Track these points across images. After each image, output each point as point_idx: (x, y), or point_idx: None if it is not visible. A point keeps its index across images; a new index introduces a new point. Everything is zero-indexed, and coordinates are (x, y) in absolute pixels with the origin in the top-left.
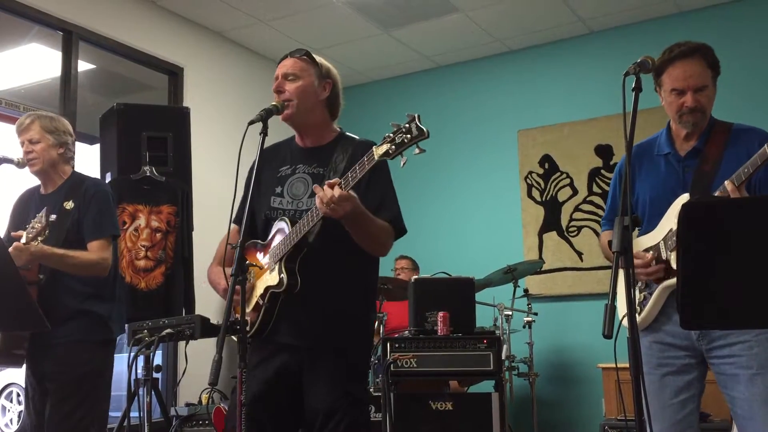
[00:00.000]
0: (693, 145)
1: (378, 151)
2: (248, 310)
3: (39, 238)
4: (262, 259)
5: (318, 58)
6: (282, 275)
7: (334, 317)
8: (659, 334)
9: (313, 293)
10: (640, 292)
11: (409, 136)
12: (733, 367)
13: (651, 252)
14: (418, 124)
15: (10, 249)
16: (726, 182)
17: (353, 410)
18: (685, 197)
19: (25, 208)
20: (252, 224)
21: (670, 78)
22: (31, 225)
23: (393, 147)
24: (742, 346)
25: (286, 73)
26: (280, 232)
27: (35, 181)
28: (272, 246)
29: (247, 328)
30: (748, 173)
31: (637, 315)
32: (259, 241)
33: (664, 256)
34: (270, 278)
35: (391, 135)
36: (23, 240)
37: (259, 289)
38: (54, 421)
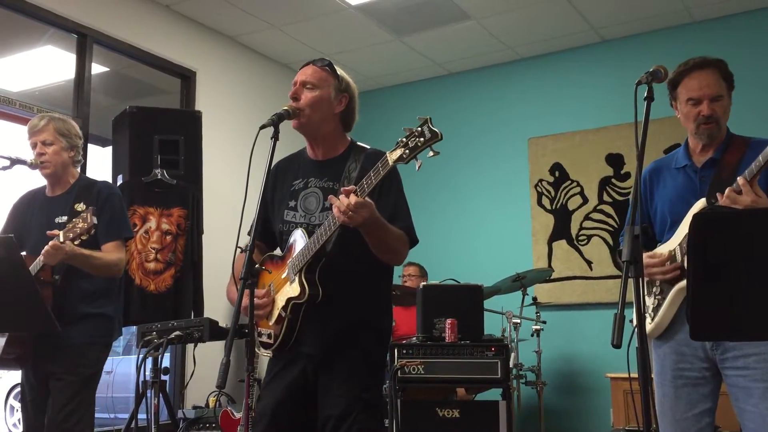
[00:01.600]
0: (710, 156)
1: (392, 156)
2: (270, 323)
3: (82, 238)
4: (280, 272)
5: (339, 71)
6: (304, 286)
7: (352, 324)
8: (674, 344)
9: (332, 302)
10: (654, 298)
11: (422, 139)
12: (747, 380)
13: (667, 252)
14: (431, 126)
15: (49, 246)
16: (738, 178)
17: (366, 416)
18: (701, 203)
19: (27, 210)
20: (269, 235)
21: (685, 89)
22: (72, 224)
23: (407, 151)
24: (757, 358)
25: (305, 81)
26: (297, 243)
27: (39, 182)
28: (290, 258)
29: (271, 341)
30: (759, 165)
31: (650, 321)
32: (278, 254)
33: (678, 258)
34: (291, 290)
35: (404, 139)
36: (61, 239)
37: (281, 302)
38: (57, 420)
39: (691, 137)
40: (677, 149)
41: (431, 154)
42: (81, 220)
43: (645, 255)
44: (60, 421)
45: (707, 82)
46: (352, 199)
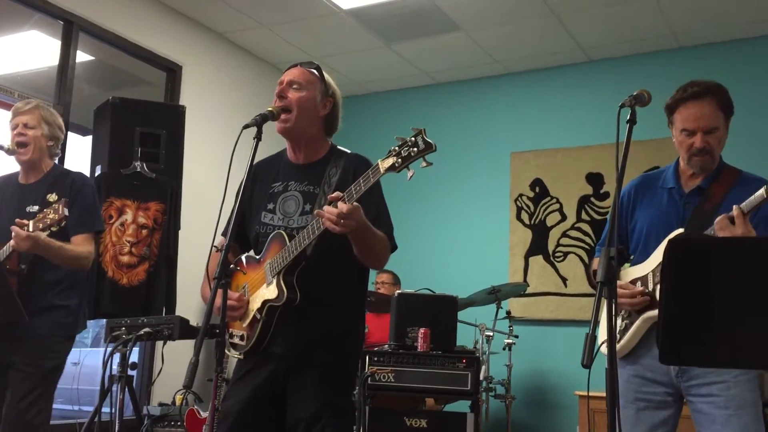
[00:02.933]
0: (698, 184)
1: (383, 164)
2: (243, 324)
3: (52, 229)
4: (255, 274)
5: (326, 75)
6: (282, 289)
7: (326, 328)
8: (638, 367)
9: (308, 305)
10: (623, 321)
11: (415, 149)
12: (711, 406)
13: (639, 283)
14: (425, 137)
15: (16, 233)
16: (734, 207)
17: (335, 421)
18: (679, 232)
19: None
20: (243, 236)
21: (681, 117)
22: (42, 215)
23: (399, 160)
24: (720, 386)
25: (292, 80)
26: (275, 245)
27: (12, 169)
28: (267, 261)
29: (243, 343)
30: (760, 199)
31: (616, 342)
32: (253, 255)
33: (649, 287)
34: (268, 292)
35: (397, 148)
36: (30, 228)
37: (256, 304)
38: (15, 411)
39: (682, 161)
40: (666, 167)
41: (424, 164)
42: (52, 211)
43: (617, 282)
44: (20, 412)
45: (703, 113)
46: (343, 207)
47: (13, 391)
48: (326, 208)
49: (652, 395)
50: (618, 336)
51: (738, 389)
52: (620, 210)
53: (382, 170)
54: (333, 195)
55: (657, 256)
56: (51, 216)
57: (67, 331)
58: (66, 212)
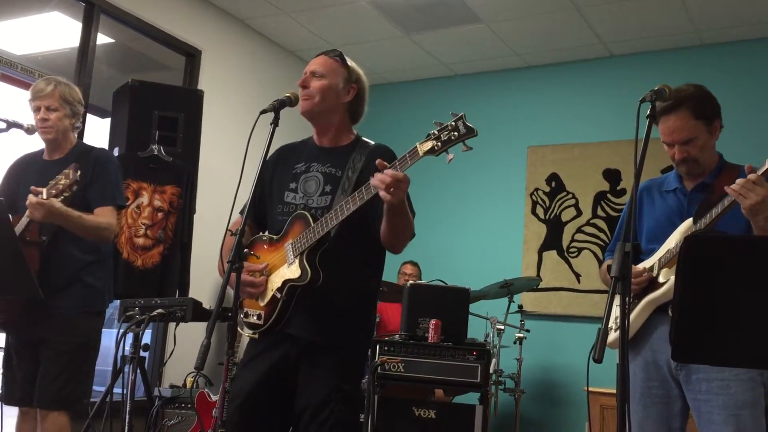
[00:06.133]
0: (701, 181)
1: (423, 147)
2: (262, 303)
3: (65, 194)
4: (275, 254)
5: (350, 62)
6: (306, 268)
7: (341, 313)
8: (641, 361)
9: (325, 288)
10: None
11: (456, 133)
12: (709, 405)
13: (645, 267)
14: (466, 122)
15: (29, 201)
16: (750, 174)
17: (343, 407)
18: (688, 222)
19: (23, 173)
20: (259, 218)
21: (660, 130)
22: (54, 182)
23: (439, 144)
24: (720, 384)
25: (314, 70)
26: (298, 226)
27: (34, 147)
28: (289, 240)
29: (260, 322)
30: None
31: (615, 331)
32: (272, 235)
33: (655, 271)
34: (289, 271)
35: (436, 132)
36: (44, 195)
37: (276, 283)
38: (51, 389)
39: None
40: (669, 173)
41: (464, 148)
42: (63, 177)
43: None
44: (56, 390)
45: (675, 127)
46: (398, 173)
47: (47, 369)
48: (378, 175)
49: (657, 389)
50: (614, 326)
51: (738, 388)
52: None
53: (420, 153)
54: (380, 162)
55: (664, 247)
56: (63, 182)
57: (95, 308)
58: (77, 177)
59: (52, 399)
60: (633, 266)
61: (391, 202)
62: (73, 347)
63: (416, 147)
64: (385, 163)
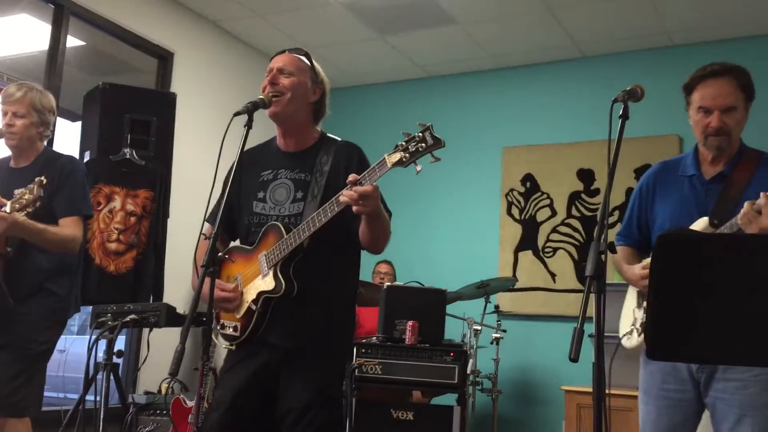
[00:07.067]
0: (719, 170)
1: (391, 159)
2: (238, 316)
3: (28, 209)
4: (249, 265)
5: (314, 63)
6: (280, 280)
7: (320, 319)
8: (660, 362)
9: (302, 296)
10: (643, 312)
11: (423, 144)
12: (725, 404)
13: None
14: (433, 133)
15: None
16: (762, 194)
17: (327, 410)
18: (703, 221)
19: None
20: (229, 224)
21: (699, 95)
22: (19, 195)
23: (407, 155)
24: (737, 384)
25: (282, 67)
26: (271, 237)
27: (5, 152)
28: (262, 252)
29: (237, 333)
30: None
31: (639, 336)
32: (244, 245)
33: None
34: (263, 283)
35: (404, 143)
36: (7, 209)
37: (250, 295)
38: (3, 393)
39: (700, 145)
40: (685, 154)
41: (432, 160)
42: (28, 192)
43: (639, 266)
44: (6, 395)
45: (720, 91)
46: (367, 187)
47: (1, 374)
48: (346, 192)
49: (673, 392)
50: (640, 329)
51: (756, 389)
52: (639, 199)
53: (389, 164)
54: (351, 178)
55: None
56: (27, 196)
57: (58, 316)
58: (41, 192)
59: (2, 405)
60: (642, 261)
61: (364, 213)
62: (31, 354)
63: (384, 159)
64: (354, 176)
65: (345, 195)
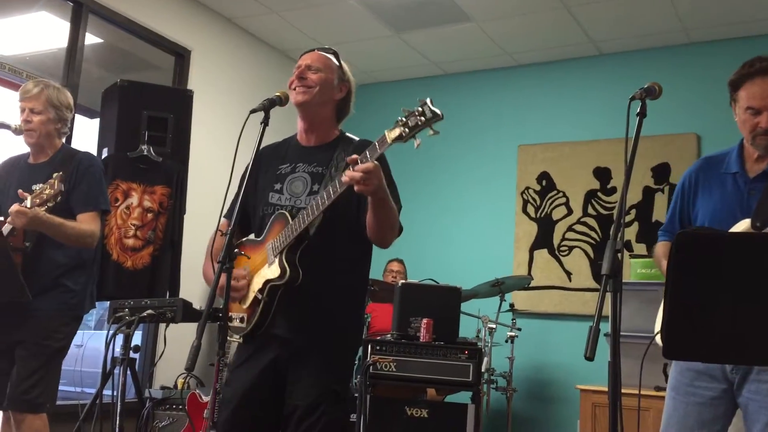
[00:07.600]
0: (764, 168)
1: (390, 135)
2: (244, 306)
3: (49, 204)
4: (257, 255)
5: (342, 62)
6: (284, 267)
7: (328, 313)
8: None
9: (310, 287)
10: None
11: (423, 118)
12: (757, 404)
13: None
14: (431, 106)
15: (12, 209)
16: None
17: (334, 408)
18: (745, 223)
19: (7, 175)
20: (244, 219)
21: (746, 94)
22: (39, 190)
23: (406, 130)
24: None
25: (311, 65)
26: (278, 225)
27: (23, 148)
28: (269, 241)
29: (243, 325)
30: None
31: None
32: (254, 237)
33: None
34: (269, 271)
35: (403, 119)
36: (28, 203)
37: (257, 284)
38: (19, 390)
39: (747, 142)
40: (729, 149)
41: (431, 133)
42: (48, 186)
43: None
44: (23, 392)
45: None
46: (368, 164)
47: (18, 370)
48: (347, 172)
49: (704, 390)
50: None
51: None
52: (682, 195)
53: (389, 140)
54: (351, 158)
55: None
56: (47, 191)
57: (74, 312)
58: (62, 187)
59: (18, 401)
60: None
61: (366, 191)
62: (48, 350)
63: (384, 134)
64: (354, 156)
65: (347, 174)
